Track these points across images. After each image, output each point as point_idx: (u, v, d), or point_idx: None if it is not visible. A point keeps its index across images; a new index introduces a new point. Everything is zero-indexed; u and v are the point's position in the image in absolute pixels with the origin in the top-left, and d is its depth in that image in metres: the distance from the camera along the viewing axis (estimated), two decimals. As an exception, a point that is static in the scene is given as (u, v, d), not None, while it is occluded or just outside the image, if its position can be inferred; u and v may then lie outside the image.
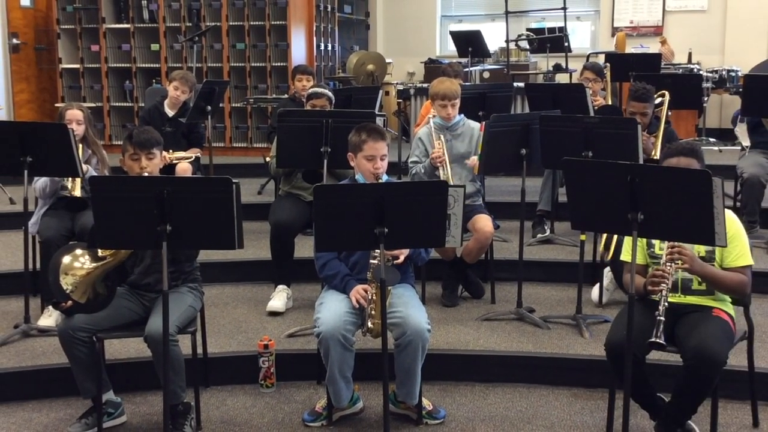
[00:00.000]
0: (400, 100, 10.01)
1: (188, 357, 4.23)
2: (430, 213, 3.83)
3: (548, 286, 6.04)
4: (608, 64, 8.50)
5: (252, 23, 9.83)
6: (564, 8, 10.55)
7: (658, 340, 3.53)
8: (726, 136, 10.14)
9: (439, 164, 5.58)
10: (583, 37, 12.18)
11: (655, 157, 5.78)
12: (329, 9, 10.94)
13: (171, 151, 6.17)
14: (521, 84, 8.84)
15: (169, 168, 6.10)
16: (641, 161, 5.21)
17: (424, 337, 4.09)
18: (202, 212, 3.70)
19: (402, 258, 4.29)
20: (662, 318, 3.57)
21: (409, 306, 4.18)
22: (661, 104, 6.31)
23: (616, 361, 3.74)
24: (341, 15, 11.45)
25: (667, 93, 6.39)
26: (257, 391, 4.77)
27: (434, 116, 5.91)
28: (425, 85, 9.84)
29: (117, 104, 10.46)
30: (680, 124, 9.57)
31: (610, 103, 7.85)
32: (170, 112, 7.23)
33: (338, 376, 4.12)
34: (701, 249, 3.88)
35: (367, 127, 4.44)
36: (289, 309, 5.61)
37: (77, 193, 5.30)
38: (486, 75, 10.85)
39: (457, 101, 5.75)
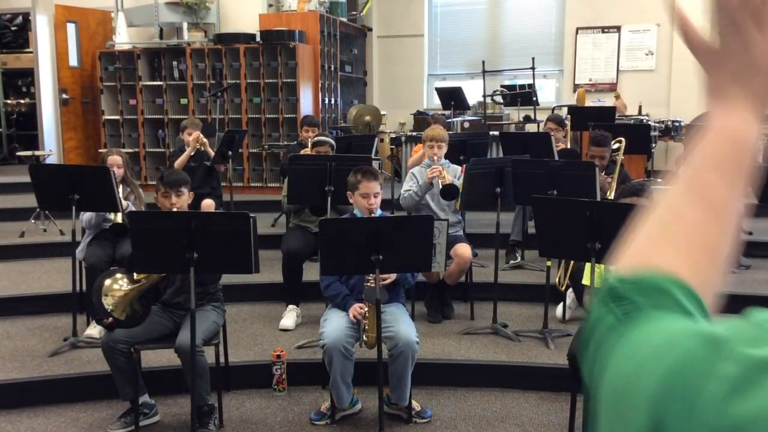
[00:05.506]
0: (393, 146, 10.06)
1: (212, 365, 4.26)
2: (419, 242, 3.88)
3: (519, 305, 6.04)
4: (569, 116, 8.57)
5: (267, 81, 9.89)
6: (533, 68, 10.69)
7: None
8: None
9: (437, 176, 5.50)
10: (549, 93, 12.24)
11: (609, 197, 5.79)
12: (333, 69, 11.02)
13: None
14: (496, 132, 8.87)
15: (196, 204, 6.13)
16: (599, 199, 5.25)
17: (413, 349, 4.11)
18: (224, 242, 3.75)
19: (389, 280, 4.34)
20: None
21: (400, 322, 4.20)
22: (618, 149, 6.34)
23: (576, 368, 3.77)
24: (343, 74, 11.53)
25: (623, 139, 6.40)
26: (271, 394, 4.78)
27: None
28: (414, 133, 9.91)
29: (151, 150, 10.49)
30: (632, 167, 9.59)
31: (569, 147, 7.90)
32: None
33: (340, 382, 4.15)
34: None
35: (362, 169, 4.49)
36: (298, 324, 5.62)
37: (119, 219, 5.31)
38: (466, 125, 10.89)
39: (444, 144, 5.80)
